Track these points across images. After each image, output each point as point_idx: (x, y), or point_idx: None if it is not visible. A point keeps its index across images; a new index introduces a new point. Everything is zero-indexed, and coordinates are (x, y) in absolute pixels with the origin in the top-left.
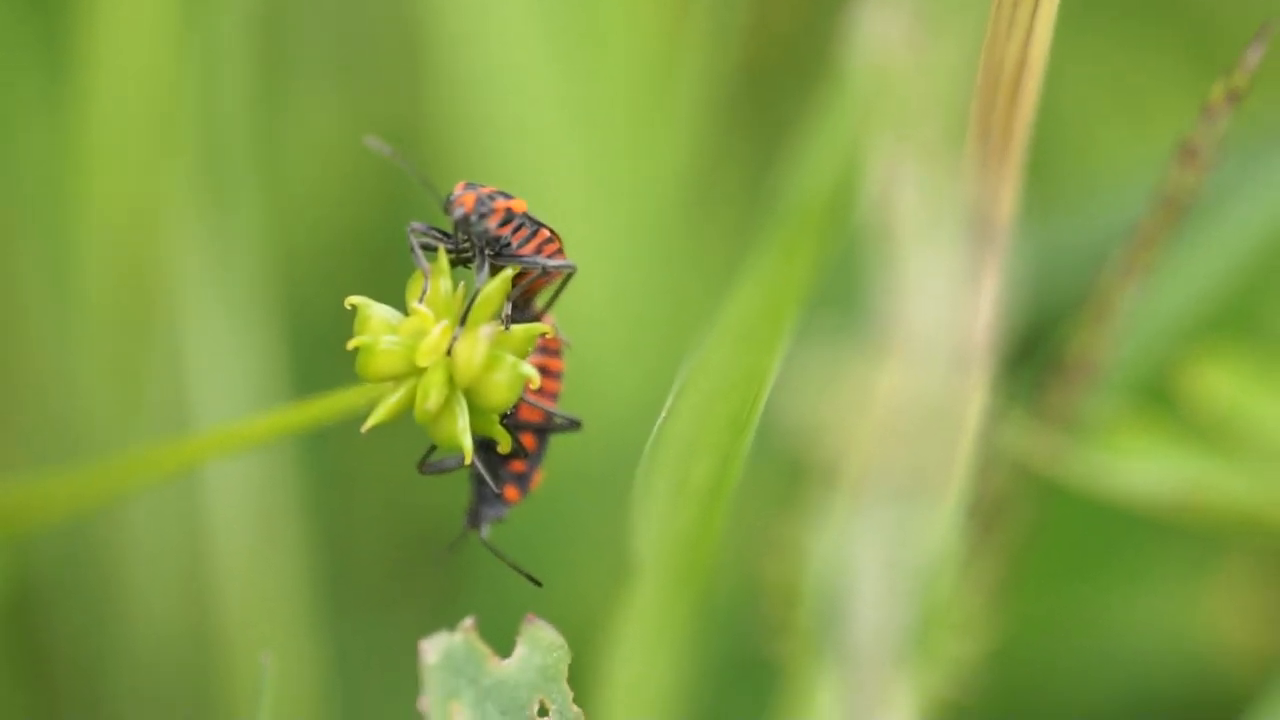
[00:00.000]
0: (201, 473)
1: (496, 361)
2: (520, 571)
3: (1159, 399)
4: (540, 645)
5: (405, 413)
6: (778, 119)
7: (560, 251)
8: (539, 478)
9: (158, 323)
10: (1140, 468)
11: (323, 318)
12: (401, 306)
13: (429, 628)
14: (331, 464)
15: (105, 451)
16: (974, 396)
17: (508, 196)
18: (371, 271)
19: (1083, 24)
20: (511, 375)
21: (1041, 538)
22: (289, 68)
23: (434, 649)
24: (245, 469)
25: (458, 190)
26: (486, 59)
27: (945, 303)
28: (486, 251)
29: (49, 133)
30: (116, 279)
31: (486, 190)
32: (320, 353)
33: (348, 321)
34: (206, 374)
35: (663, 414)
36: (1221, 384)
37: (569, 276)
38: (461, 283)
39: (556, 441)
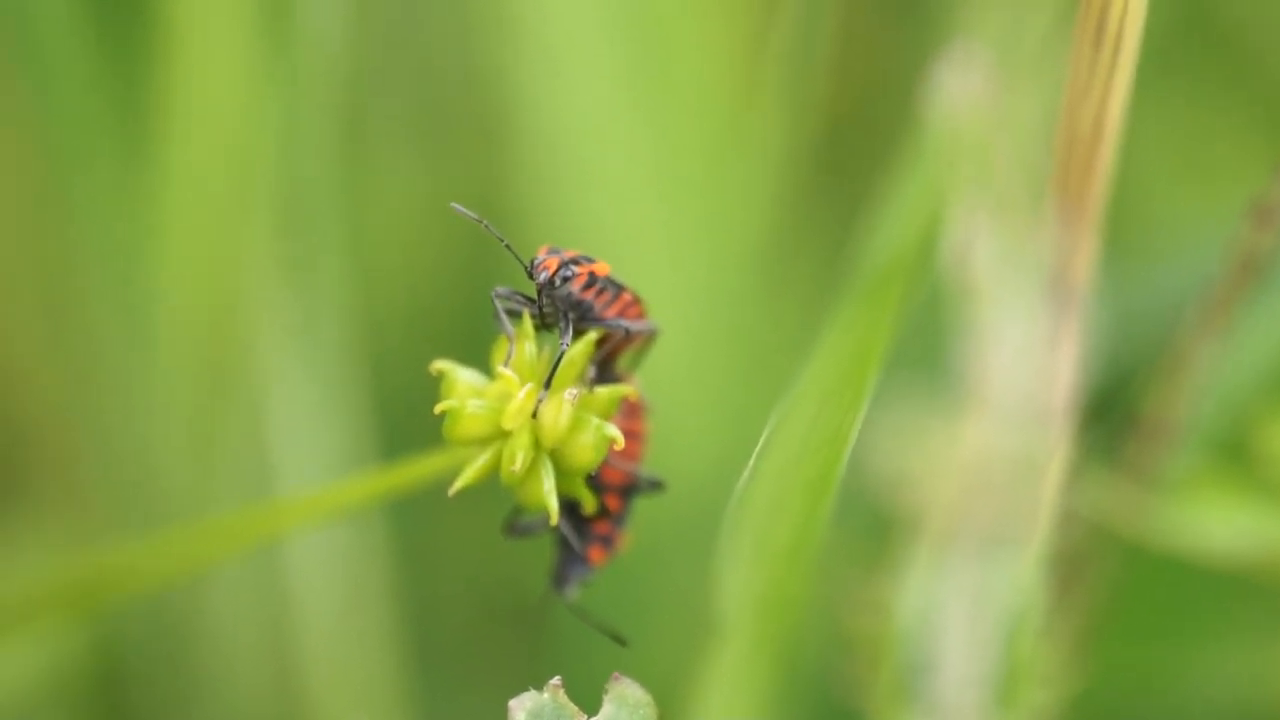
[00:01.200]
0: (286, 541)
1: (581, 424)
2: (606, 632)
3: (1236, 457)
4: (627, 703)
5: (491, 478)
6: (856, 174)
7: (643, 314)
8: (625, 539)
9: (241, 390)
10: (1218, 525)
11: (407, 383)
12: (486, 371)
13: (515, 693)
14: (416, 532)
15: (186, 520)
16: (1055, 452)
17: (590, 260)
18: (456, 336)
19: (1156, 86)
20: (596, 437)
21: (1122, 593)
22: (371, 132)
23: (522, 707)
24: (330, 536)
25: (541, 255)
26: (565, 122)
27: (1025, 359)
28: (570, 315)
29: (133, 199)
30: (199, 345)
31: (569, 255)
32: (405, 419)
33: (432, 387)
34: (290, 440)
35: (745, 474)
36: None
37: (652, 339)
38: (545, 347)
39: (641, 503)
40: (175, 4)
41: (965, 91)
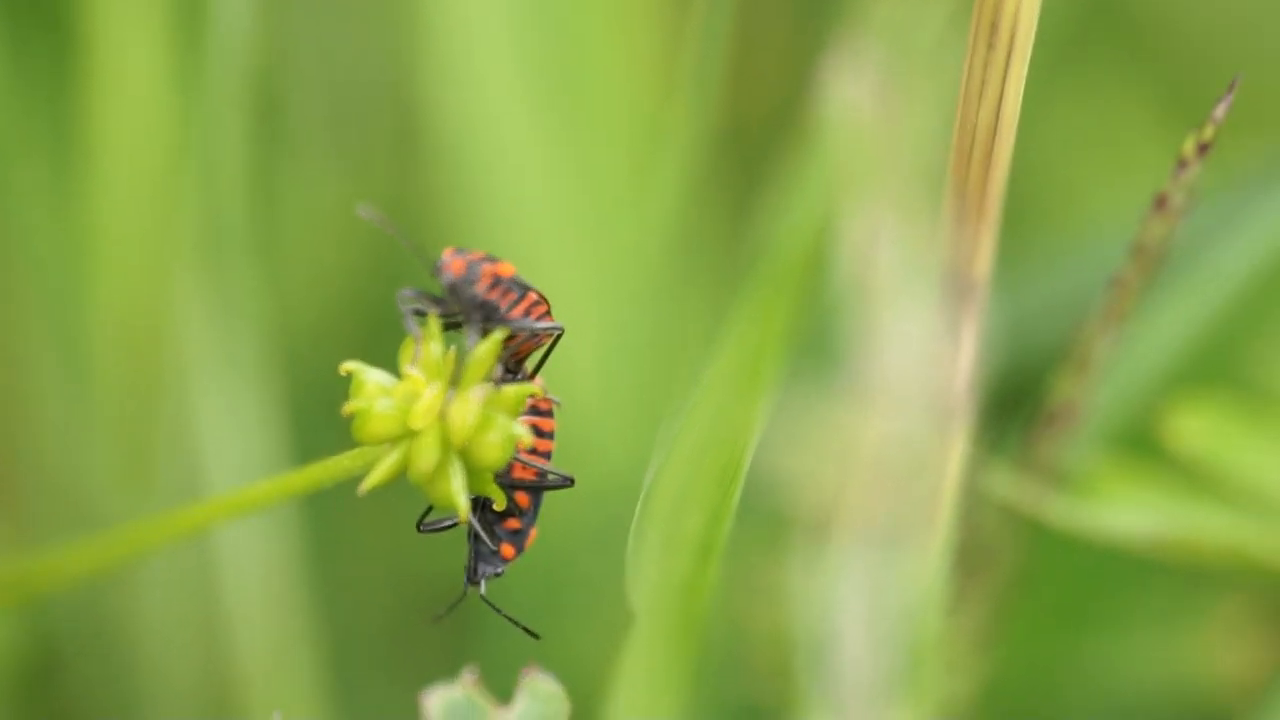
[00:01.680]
0: (211, 538)
1: (489, 422)
2: (518, 625)
3: (1140, 445)
4: (540, 695)
5: (403, 474)
6: (763, 173)
7: (548, 314)
8: (534, 535)
9: (164, 393)
10: (1122, 509)
11: (324, 382)
12: (396, 371)
13: (433, 683)
14: (337, 524)
15: (115, 519)
16: (954, 444)
17: (495, 261)
18: (369, 337)
19: (1059, 76)
20: (504, 435)
21: (1029, 582)
22: (285, 141)
23: (436, 701)
24: (252, 532)
25: (446, 256)
26: (477, 123)
27: (922, 353)
28: (476, 315)
29: (55, 212)
30: (123, 353)
31: (475, 256)
32: (323, 417)
33: (347, 386)
34: (212, 441)
35: (652, 468)
36: (1200, 428)
37: (557, 338)
38: (453, 346)
39: (551, 498)
40: (89, 14)
41: (856, 89)
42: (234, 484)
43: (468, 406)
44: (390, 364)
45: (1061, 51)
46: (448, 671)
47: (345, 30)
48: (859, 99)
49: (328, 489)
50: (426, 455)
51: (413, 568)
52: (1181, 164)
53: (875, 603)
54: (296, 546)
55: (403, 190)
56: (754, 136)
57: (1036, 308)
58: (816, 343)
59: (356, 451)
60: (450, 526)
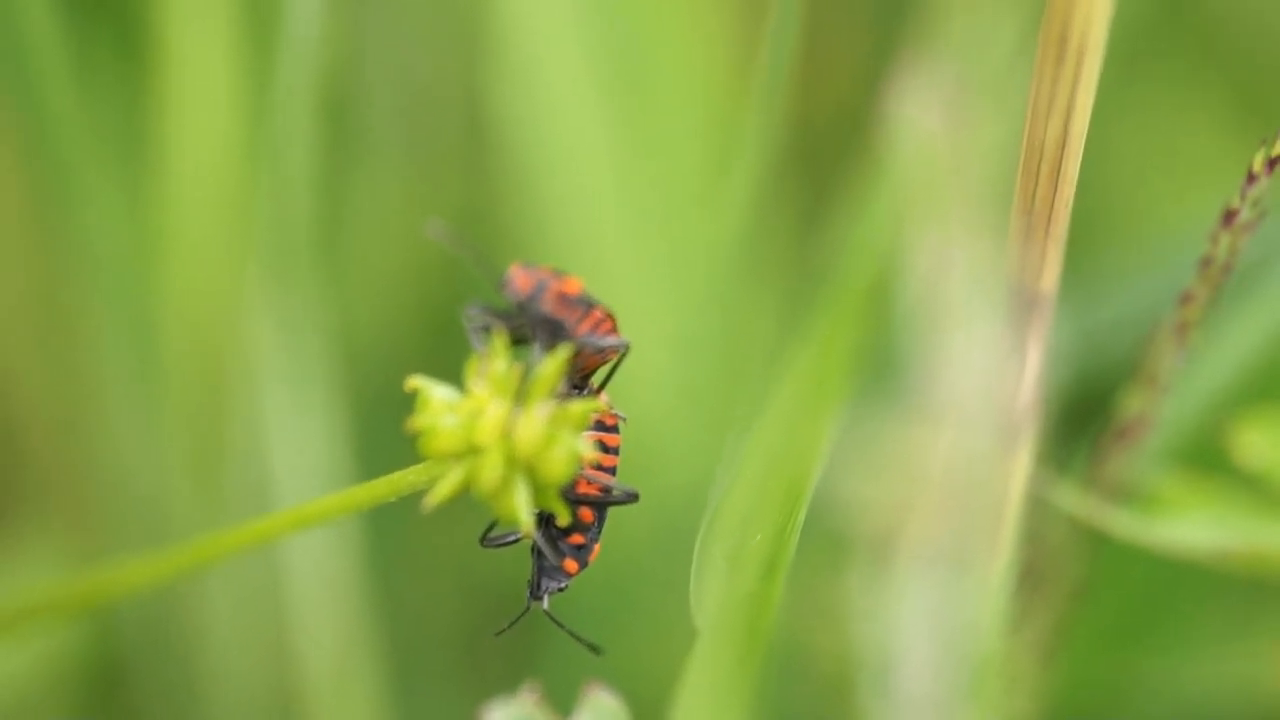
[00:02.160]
0: (278, 549)
1: (554, 439)
2: (581, 640)
3: (1207, 460)
4: (602, 712)
5: (469, 489)
6: (832, 180)
7: (614, 330)
8: (597, 549)
9: (232, 403)
10: (1188, 523)
11: (392, 392)
12: (462, 385)
13: (496, 697)
14: (403, 536)
15: (185, 530)
16: (1019, 463)
17: (562, 277)
18: (437, 345)
19: (1129, 89)
20: (569, 451)
21: (1096, 599)
22: (356, 153)
23: (497, 716)
24: (319, 545)
25: (513, 271)
26: (546, 133)
27: (988, 373)
28: (542, 331)
29: (124, 219)
30: (192, 363)
31: (542, 272)
32: (390, 427)
33: (414, 398)
34: (280, 454)
35: (719, 485)
36: (1266, 442)
37: (623, 354)
38: (519, 362)
39: (616, 514)
40: (161, 21)
41: (925, 107)
42: (301, 495)
43: (533, 423)
44: (458, 373)
45: (1131, 64)
46: (512, 685)
47: (414, 34)
48: (927, 117)
49: (399, 502)
50: (491, 472)
51: (478, 580)
52: (1250, 178)
53: (938, 622)
54: (362, 558)
55: (472, 195)
56: (825, 142)
57: (1104, 324)
58: (885, 362)
59: (422, 466)
60: (514, 542)
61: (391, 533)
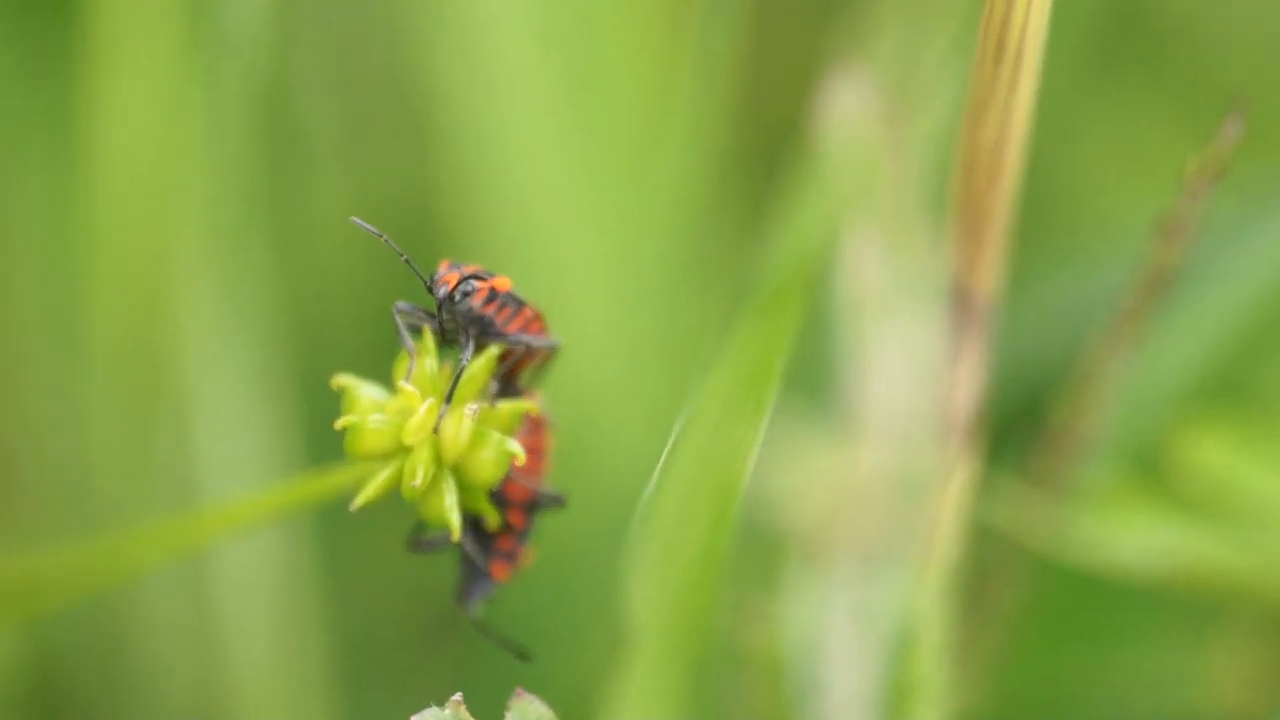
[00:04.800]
0: (214, 546)
1: (482, 439)
2: (509, 647)
3: (1148, 469)
4: (529, 718)
5: (397, 491)
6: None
7: (544, 330)
8: (528, 555)
9: (167, 397)
10: (1130, 538)
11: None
12: (390, 386)
13: (436, 702)
14: (343, 537)
15: (117, 525)
16: (952, 466)
17: (490, 275)
18: (381, 343)
19: (1085, 96)
20: (498, 452)
21: (1035, 606)
22: (296, 142)
23: None
24: (257, 543)
25: (441, 270)
26: (490, 121)
27: (916, 375)
28: (471, 330)
29: (57, 209)
30: (126, 352)
31: (469, 269)
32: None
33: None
34: (215, 449)
35: (650, 486)
36: (1210, 453)
37: (553, 354)
38: (448, 361)
39: (550, 516)
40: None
41: (858, 105)
42: (237, 491)
43: (461, 423)
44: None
45: (1087, 72)
46: (456, 688)
47: (356, 25)
48: (861, 115)
49: (338, 500)
50: (419, 471)
51: (423, 581)
52: (1186, 185)
53: (860, 630)
54: (304, 559)
55: (419, 188)
56: (770, 144)
57: (1046, 327)
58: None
59: (350, 467)
60: (442, 546)
61: (335, 534)
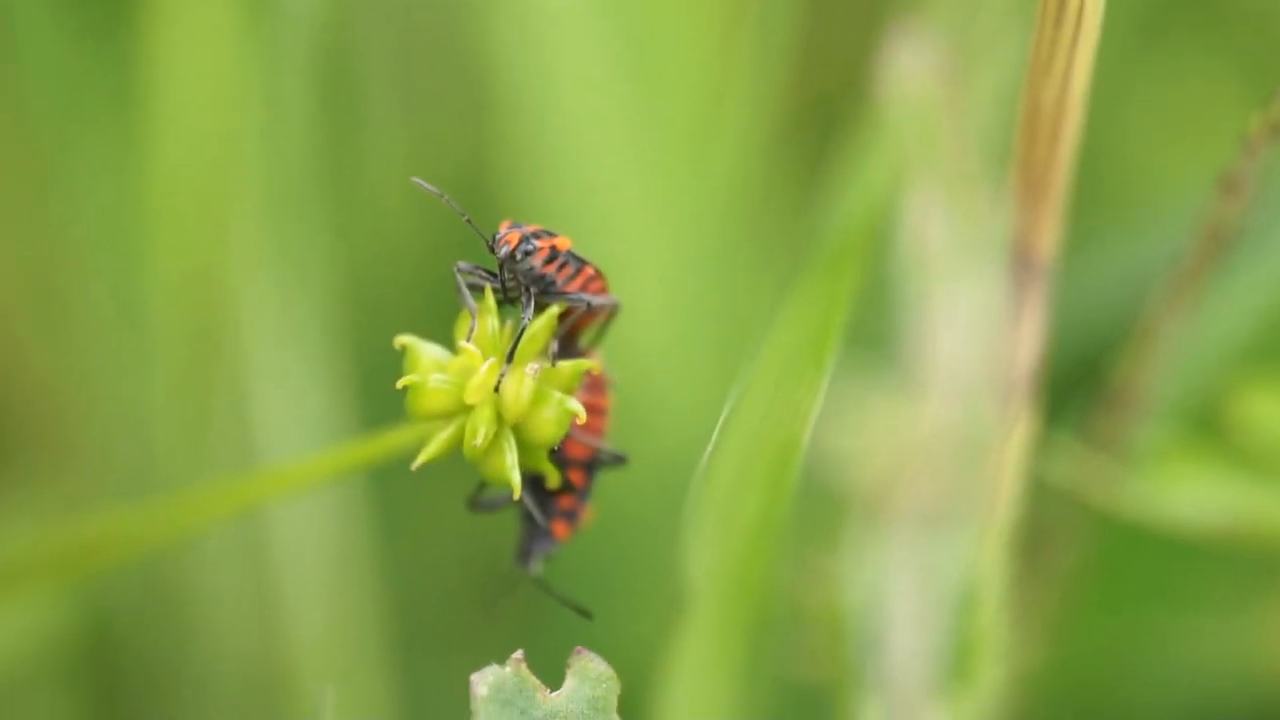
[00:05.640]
0: (271, 508)
1: (543, 398)
2: (570, 605)
3: (1206, 427)
4: (589, 677)
5: (458, 451)
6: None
7: (605, 289)
8: (588, 514)
9: (225, 361)
10: (1189, 495)
11: (390, 354)
12: (451, 345)
13: (496, 662)
14: (402, 498)
15: (174, 488)
16: (1013, 426)
17: (551, 235)
18: (439, 306)
19: (1141, 58)
20: (558, 411)
21: (1094, 564)
22: (355, 109)
23: (484, 682)
24: (314, 504)
25: (502, 229)
26: (549, 90)
27: (978, 335)
28: (532, 290)
29: (120, 172)
30: (187, 316)
31: (530, 229)
32: (389, 389)
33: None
34: (274, 412)
35: (709, 447)
36: (1269, 411)
37: (614, 313)
38: (509, 321)
39: (610, 475)
40: None
41: (919, 65)
42: (295, 453)
43: (522, 382)
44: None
45: (1143, 34)
46: (512, 649)
47: None
48: (921, 74)
49: (396, 463)
50: (480, 430)
51: (482, 543)
52: (1248, 144)
53: (922, 588)
54: (361, 520)
55: (477, 156)
56: (829, 105)
57: (1105, 287)
58: (879, 320)
59: (411, 427)
60: (503, 505)
61: (393, 495)
